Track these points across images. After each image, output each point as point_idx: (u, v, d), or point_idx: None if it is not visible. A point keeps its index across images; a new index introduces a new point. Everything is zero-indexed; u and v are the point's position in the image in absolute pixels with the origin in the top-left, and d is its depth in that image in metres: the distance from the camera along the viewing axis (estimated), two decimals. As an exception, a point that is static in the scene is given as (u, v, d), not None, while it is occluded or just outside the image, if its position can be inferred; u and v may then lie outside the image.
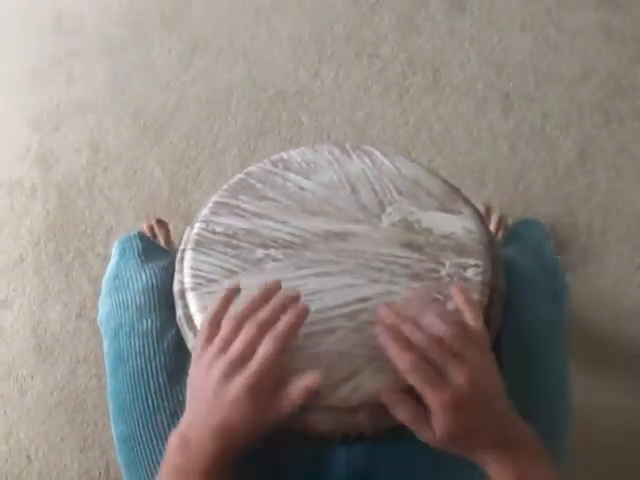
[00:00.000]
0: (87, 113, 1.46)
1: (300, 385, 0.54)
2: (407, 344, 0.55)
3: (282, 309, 0.57)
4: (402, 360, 0.54)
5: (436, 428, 0.53)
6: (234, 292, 0.60)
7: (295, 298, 0.59)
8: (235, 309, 0.58)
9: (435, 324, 0.56)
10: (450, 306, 0.62)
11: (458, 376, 0.53)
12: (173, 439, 0.56)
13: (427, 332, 0.55)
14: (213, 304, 0.59)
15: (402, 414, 0.55)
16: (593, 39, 1.43)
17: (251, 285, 0.62)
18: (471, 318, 0.58)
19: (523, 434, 0.55)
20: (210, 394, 0.55)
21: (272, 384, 0.55)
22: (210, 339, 0.57)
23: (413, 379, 0.53)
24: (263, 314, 0.57)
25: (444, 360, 0.54)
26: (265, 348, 0.55)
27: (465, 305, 0.59)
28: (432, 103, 1.40)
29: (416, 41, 1.45)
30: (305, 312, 0.57)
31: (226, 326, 0.57)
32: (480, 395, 0.53)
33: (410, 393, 0.55)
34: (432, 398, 0.52)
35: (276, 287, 0.60)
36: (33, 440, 1.23)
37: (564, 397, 0.70)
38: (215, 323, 0.58)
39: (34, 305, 1.32)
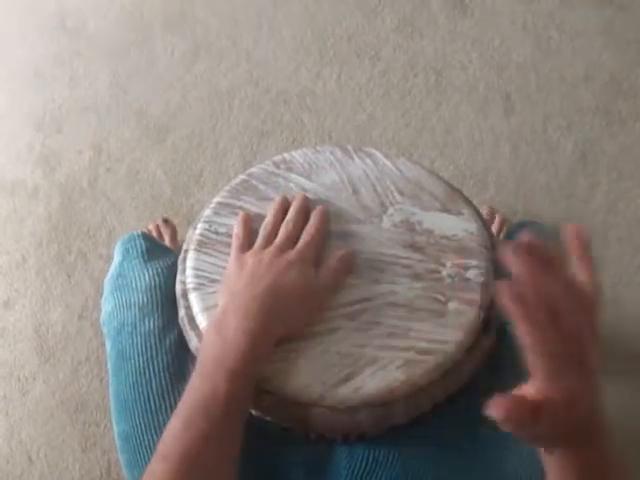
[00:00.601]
0: (90, 114, 1.46)
1: (338, 254, 0.63)
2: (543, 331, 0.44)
3: (305, 209, 0.66)
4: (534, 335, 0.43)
5: (546, 428, 0.44)
6: (248, 215, 0.67)
7: (306, 198, 0.68)
8: None
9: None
10: (452, 306, 0.62)
11: (584, 368, 0.44)
12: (209, 329, 0.59)
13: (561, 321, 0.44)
14: (236, 226, 0.66)
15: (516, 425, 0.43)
16: (595, 41, 1.43)
17: None
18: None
19: (603, 426, 0.48)
20: (260, 269, 0.60)
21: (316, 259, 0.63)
22: (245, 247, 0.64)
23: (544, 362, 0.44)
24: (292, 214, 0.65)
25: (575, 350, 0.44)
26: (313, 221, 0.65)
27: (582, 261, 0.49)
28: (434, 105, 1.40)
29: (418, 43, 1.46)
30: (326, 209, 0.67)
31: (260, 234, 0.65)
32: (594, 389, 0.45)
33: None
34: (555, 389, 0.44)
35: (286, 199, 0.68)
36: (35, 441, 1.24)
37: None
38: (247, 230, 0.65)
39: (36, 306, 1.32)
